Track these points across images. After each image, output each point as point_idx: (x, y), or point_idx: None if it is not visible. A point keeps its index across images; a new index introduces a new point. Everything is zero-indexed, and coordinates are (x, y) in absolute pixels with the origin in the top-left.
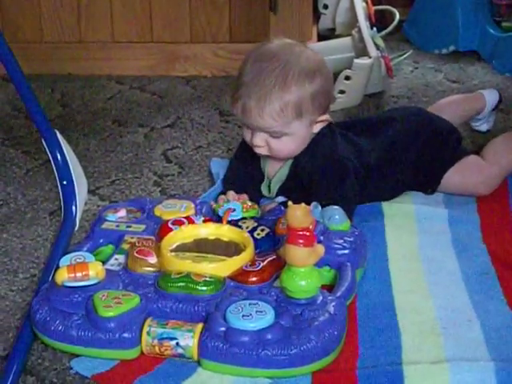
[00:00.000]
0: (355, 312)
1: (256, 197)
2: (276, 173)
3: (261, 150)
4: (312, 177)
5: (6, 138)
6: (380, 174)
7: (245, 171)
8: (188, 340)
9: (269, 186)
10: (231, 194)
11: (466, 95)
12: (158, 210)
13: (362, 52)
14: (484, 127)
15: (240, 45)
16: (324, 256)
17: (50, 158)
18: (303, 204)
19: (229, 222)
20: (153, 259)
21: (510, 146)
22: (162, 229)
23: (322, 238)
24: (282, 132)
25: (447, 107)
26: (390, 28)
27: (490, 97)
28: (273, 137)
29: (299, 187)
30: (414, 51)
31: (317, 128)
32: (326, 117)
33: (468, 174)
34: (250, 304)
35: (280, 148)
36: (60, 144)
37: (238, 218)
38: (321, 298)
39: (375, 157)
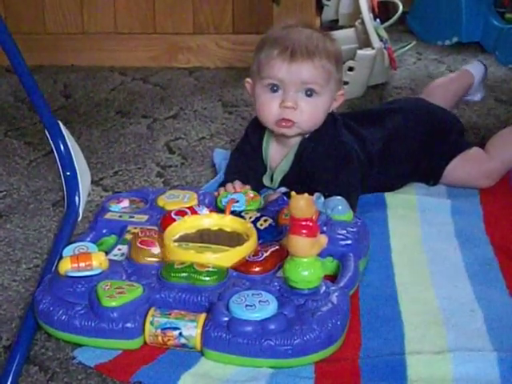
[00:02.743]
0: (358, 302)
1: (258, 188)
2: (279, 164)
3: (292, 115)
4: (316, 164)
5: (9, 128)
6: (382, 165)
7: (246, 163)
8: (191, 330)
9: (271, 178)
10: (237, 183)
11: (452, 75)
12: (161, 201)
13: (365, 43)
14: (478, 97)
15: (243, 36)
16: (327, 246)
17: (53, 149)
18: (306, 194)
19: (232, 213)
20: (156, 249)
21: None
22: (164, 219)
23: (324, 228)
24: (320, 86)
25: (437, 90)
26: (393, 19)
27: (476, 70)
28: (306, 95)
29: (302, 177)
30: (417, 42)
31: (336, 103)
32: (341, 92)
33: (469, 167)
34: (253, 294)
35: (310, 111)
36: (63, 135)
37: (241, 209)
38: (324, 288)
39: (377, 147)
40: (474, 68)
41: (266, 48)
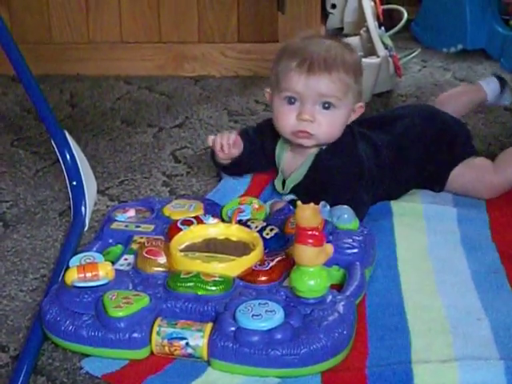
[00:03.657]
0: (364, 311)
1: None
2: (293, 172)
3: (309, 127)
4: (330, 176)
5: (15, 138)
6: (392, 172)
7: (255, 151)
8: (198, 340)
9: (282, 183)
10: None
11: (465, 88)
12: (167, 210)
13: (371, 51)
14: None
15: (248, 45)
16: (333, 255)
17: (60, 159)
18: (312, 204)
19: (238, 222)
20: (162, 259)
21: None
22: (171, 229)
23: (330, 237)
24: (338, 99)
25: (448, 101)
26: (398, 27)
27: (489, 86)
28: (324, 108)
29: (315, 188)
30: (422, 50)
31: (354, 116)
32: (361, 104)
33: (471, 176)
34: (259, 304)
35: (327, 124)
36: (69, 144)
37: (247, 218)
38: (330, 297)
39: (388, 153)
40: (488, 85)
41: (285, 59)
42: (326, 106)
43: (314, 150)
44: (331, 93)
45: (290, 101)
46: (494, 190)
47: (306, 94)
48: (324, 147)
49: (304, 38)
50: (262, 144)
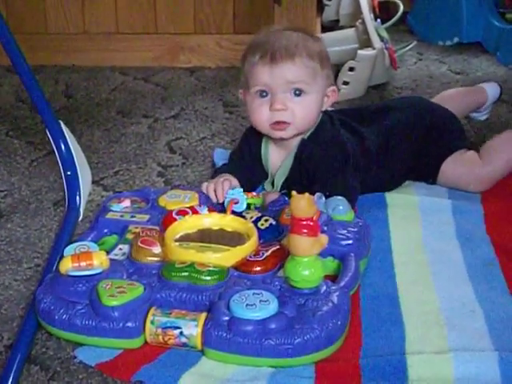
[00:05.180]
0: (359, 302)
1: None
2: (279, 167)
3: (282, 116)
4: (315, 164)
5: (10, 128)
6: (380, 162)
7: (243, 172)
8: (192, 329)
9: (272, 183)
10: (226, 183)
11: (467, 88)
12: (163, 200)
13: (366, 43)
14: (484, 117)
15: (244, 36)
16: (328, 246)
17: (55, 149)
18: (307, 194)
19: (233, 213)
20: (157, 249)
21: (507, 147)
22: (166, 219)
23: (325, 228)
24: (307, 84)
25: (449, 100)
26: (394, 19)
27: (491, 90)
28: (295, 95)
29: (303, 179)
30: (417, 43)
31: (329, 100)
32: (333, 88)
33: (460, 171)
34: (253, 294)
35: (302, 110)
36: (64, 135)
37: (242, 209)
38: (324, 287)
39: (376, 144)
40: (491, 89)
41: (249, 56)
42: (298, 92)
43: (297, 142)
44: (298, 78)
45: (262, 94)
46: (482, 182)
47: (274, 85)
48: (305, 137)
49: (266, 32)
50: (249, 155)
